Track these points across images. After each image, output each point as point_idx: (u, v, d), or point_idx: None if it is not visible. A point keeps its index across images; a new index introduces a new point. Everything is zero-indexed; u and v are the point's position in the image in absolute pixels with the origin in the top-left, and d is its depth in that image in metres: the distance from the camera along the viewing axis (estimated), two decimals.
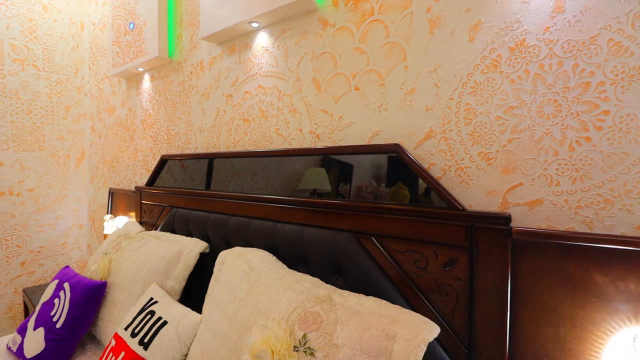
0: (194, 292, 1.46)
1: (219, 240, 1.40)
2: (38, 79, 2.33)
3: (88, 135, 2.61)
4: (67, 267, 1.52)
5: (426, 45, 0.95)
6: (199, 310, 1.41)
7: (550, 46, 0.79)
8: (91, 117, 2.57)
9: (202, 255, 1.37)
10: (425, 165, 0.95)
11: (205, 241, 1.44)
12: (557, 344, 0.74)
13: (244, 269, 1.05)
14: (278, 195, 1.22)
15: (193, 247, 1.35)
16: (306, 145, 1.23)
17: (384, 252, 0.94)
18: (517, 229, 0.78)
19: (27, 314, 2.04)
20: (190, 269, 1.33)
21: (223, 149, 1.54)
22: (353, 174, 1.06)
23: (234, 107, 1.49)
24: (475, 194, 0.88)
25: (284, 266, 1.07)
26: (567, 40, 0.77)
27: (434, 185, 0.88)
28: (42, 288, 2.11)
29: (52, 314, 1.28)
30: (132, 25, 1.87)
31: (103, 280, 1.39)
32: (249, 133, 1.42)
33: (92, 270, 1.42)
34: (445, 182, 0.92)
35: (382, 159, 0.99)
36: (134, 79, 2.09)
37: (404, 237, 0.91)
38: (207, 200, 1.47)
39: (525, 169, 0.82)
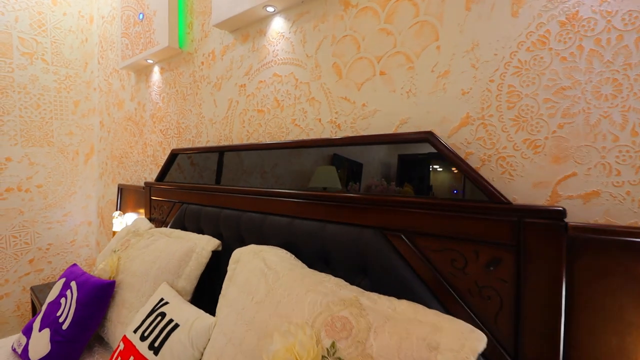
0: (206, 292, 1.39)
1: (232, 237, 1.33)
2: (47, 73, 2.29)
3: (97, 131, 2.57)
4: (74, 265, 1.47)
5: (462, 22, 0.86)
6: (212, 312, 1.35)
7: (608, 18, 0.69)
8: (100, 112, 2.52)
9: (215, 253, 1.30)
10: (462, 155, 0.86)
11: (218, 238, 1.37)
12: (622, 355, 0.65)
13: (261, 268, 0.97)
14: (295, 189, 1.14)
15: (205, 244, 1.28)
16: (325, 135, 1.15)
17: (415, 250, 0.86)
18: (573, 224, 0.68)
19: (34, 312, 2.00)
20: (202, 267, 1.26)
21: (236, 141, 1.47)
22: (370, 165, 0.97)
23: (247, 98, 1.41)
24: (520, 185, 0.79)
25: (304, 266, 0.99)
26: (629, 10, 0.67)
27: (473, 177, 0.79)
28: (50, 286, 2.07)
29: (58, 314, 1.22)
30: (141, 16, 1.81)
31: (111, 278, 1.33)
32: (264, 124, 1.35)
33: (100, 269, 1.36)
34: (484, 173, 0.83)
35: (409, 149, 0.91)
36: (143, 72, 2.04)
37: (438, 234, 0.82)
38: (219, 196, 1.40)
39: (579, 157, 0.72)
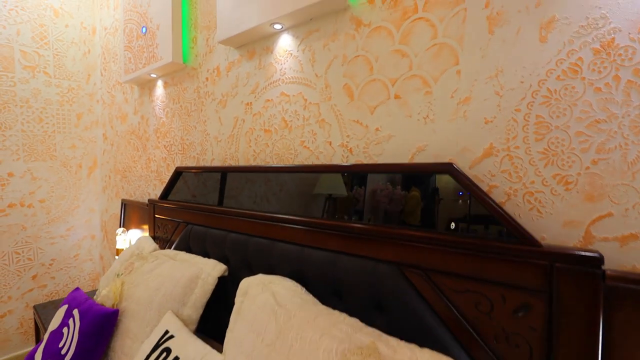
0: (212, 317, 1.35)
1: (239, 262, 1.28)
2: (49, 86, 2.26)
3: (100, 143, 2.54)
4: (77, 289, 1.43)
5: (484, 46, 0.80)
6: (217, 338, 1.30)
7: None
8: (103, 124, 2.49)
9: (221, 277, 1.25)
10: (485, 188, 0.81)
11: (224, 262, 1.33)
12: None
13: (271, 305, 0.92)
14: (305, 216, 1.09)
15: (210, 270, 1.24)
16: (336, 159, 1.10)
17: (435, 289, 0.80)
18: (611, 272, 0.63)
19: (37, 330, 1.96)
20: (208, 295, 1.22)
21: (242, 161, 1.42)
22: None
23: (253, 117, 1.36)
24: (550, 224, 0.73)
25: (316, 301, 0.94)
26: None
27: (498, 213, 0.73)
28: (54, 304, 2.03)
29: (60, 345, 1.18)
30: (144, 29, 1.77)
31: (115, 306, 1.28)
32: (271, 145, 1.30)
33: (103, 295, 1.32)
34: (510, 209, 0.78)
35: (428, 177, 0.86)
36: (146, 86, 2.00)
37: (461, 274, 0.77)
38: (224, 218, 1.35)
39: (615, 196, 0.67)
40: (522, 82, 0.75)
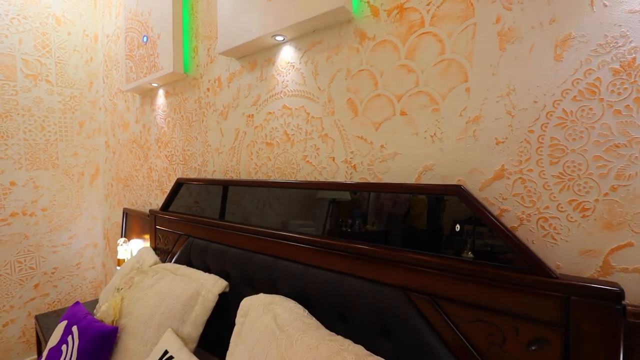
0: (212, 333, 1.32)
1: (240, 278, 1.25)
2: (51, 94, 2.25)
3: (102, 151, 2.52)
4: (77, 303, 1.41)
5: (495, 63, 0.77)
6: (216, 353, 1.28)
7: None
8: (105, 132, 2.48)
9: (222, 292, 1.23)
10: (495, 212, 0.77)
11: (225, 277, 1.30)
12: None
13: (272, 329, 0.89)
14: (310, 234, 1.06)
15: (211, 286, 1.21)
16: (340, 176, 1.07)
17: (444, 317, 0.77)
18: (632, 308, 0.59)
19: (39, 340, 1.95)
20: (208, 312, 1.19)
21: (243, 174, 1.40)
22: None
23: (255, 129, 1.34)
24: (565, 252, 0.70)
25: (319, 325, 0.90)
26: None
27: (511, 240, 0.70)
28: (56, 313, 2.02)
29: None
30: (145, 39, 1.75)
31: (114, 322, 1.26)
32: (273, 159, 1.27)
33: (102, 311, 1.29)
34: (523, 234, 0.74)
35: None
36: (148, 94, 1.98)
37: (471, 302, 0.73)
38: (225, 233, 1.32)
39: (636, 225, 0.63)
40: (535, 102, 0.72)
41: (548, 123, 0.70)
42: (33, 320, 2.21)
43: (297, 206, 1.16)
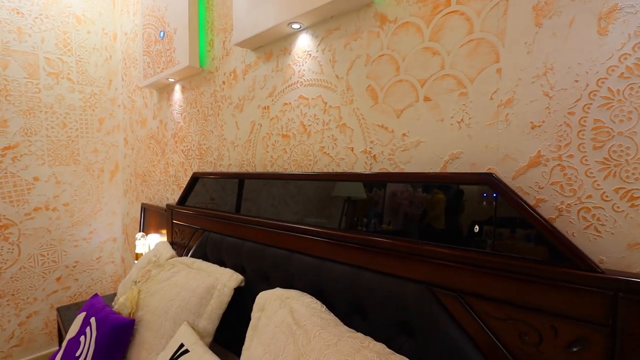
0: (227, 327, 1.30)
1: (256, 272, 1.23)
2: (72, 92, 2.29)
3: (121, 148, 2.56)
4: (95, 295, 1.42)
5: (530, 41, 0.71)
6: (231, 348, 1.26)
7: None
8: (124, 129, 2.51)
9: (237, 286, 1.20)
10: (531, 202, 0.71)
11: (240, 272, 1.28)
12: None
13: (289, 324, 0.86)
14: (326, 227, 1.02)
15: (227, 280, 1.19)
16: (359, 167, 1.02)
17: (473, 315, 0.72)
18: None
19: (60, 332, 1.99)
20: (224, 306, 1.17)
21: (259, 167, 1.37)
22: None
23: (270, 121, 1.31)
24: (610, 245, 0.63)
25: (337, 321, 0.86)
26: None
27: (549, 232, 0.64)
28: (77, 306, 2.06)
29: (77, 354, 1.16)
30: (162, 34, 1.75)
31: (131, 315, 1.26)
32: (289, 151, 1.24)
33: (120, 303, 1.30)
34: (561, 226, 0.68)
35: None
36: (164, 90, 1.99)
37: (503, 299, 0.68)
38: (240, 226, 1.30)
39: None
40: (576, 80, 0.65)
41: (591, 104, 0.64)
42: (55, 312, 2.26)
43: (314, 204, 1.13)
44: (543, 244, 0.66)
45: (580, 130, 0.65)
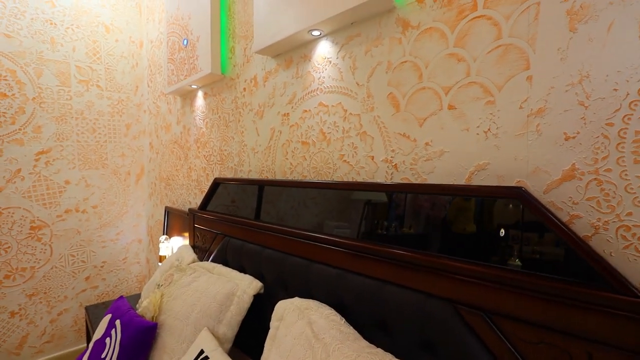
0: (246, 333, 1.31)
1: (275, 280, 1.23)
2: (101, 98, 2.39)
3: (147, 152, 2.64)
4: (121, 298, 1.46)
5: (564, 47, 0.67)
6: (251, 354, 1.26)
7: None
8: (149, 133, 2.59)
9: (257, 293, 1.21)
10: (564, 218, 0.67)
11: (259, 278, 1.28)
12: None
13: (307, 336, 0.85)
14: (345, 237, 1.01)
15: (246, 287, 1.20)
16: (379, 176, 1.00)
17: (500, 337, 0.68)
18: None
19: (88, 330, 2.07)
20: (243, 313, 1.18)
21: (279, 174, 1.37)
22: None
23: (290, 128, 1.31)
24: None
25: (357, 335, 0.85)
26: None
27: (585, 251, 0.60)
28: (105, 304, 2.14)
29: (102, 356, 1.20)
30: (185, 42, 1.79)
31: (154, 318, 1.29)
32: (308, 158, 1.23)
33: (143, 307, 1.33)
34: (597, 244, 0.64)
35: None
36: (188, 96, 2.03)
37: (534, 321, 0.64)
38: (260, 233, 1.31)
39: None
40: (615, 89, 0.61)
41: (632, 114, 0.59)
42: (83, 311, 2.36)
43: (334, 207, 1.11)
44: (577, 264, 0.62)
45: (619, 143, 0.61)
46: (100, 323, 1.37)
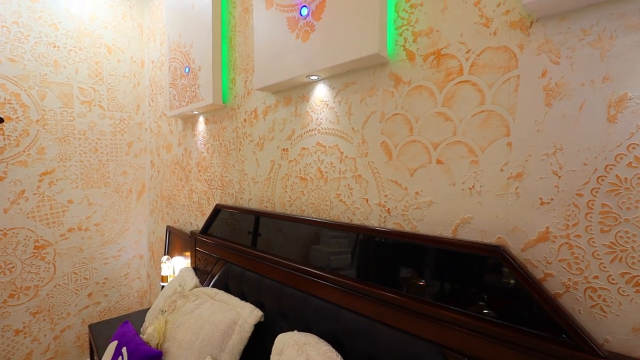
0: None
1: (274, 309, 1.29)
2: (103, 118, 2.44)
3: (148, 169, 2.69)
4: (126, 323, 1.52)
5: (540, 119, 0.73)
6: None
7: None
8: (151, 151, 2.64)
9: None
10: (539, 275, 0.74)
11: (259, 306, 1.34)
12: None
13: None
14: (340, 275, 1.07)
15: (247, 316, 1.26)
16: (373, 218, 1.07)
17: None
18: None
19: (92, 348, 2.12)
20: (245, 342, 1.24)
21: (278, 205, 1.43)
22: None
23: (289, 163, 1.37)
24: (615, 326, 0.65)
25: None
26: None
27: (555, 311, 0.66)
28: (107, 322, 2.19)
29: None
30: (187, 69, 1.84)
31: (159, 345, 1.34)
32: (306, 193, 1.29)
33: (148, 333, 1.39)
34: (567, 302, 0.70)
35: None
36: (189, 120, 2.09)
37: None
38: (259, 263, 1.37)
39: None
40: (585, 164, 0.68)
41: (599, 188, 0.66)
42: (86, 327, 2.41)
43: (329, 241, 1.18)
44: (549, 321, 0.68)
45: (588, 213, 0.67)
46: (107, 350, 1.42)
